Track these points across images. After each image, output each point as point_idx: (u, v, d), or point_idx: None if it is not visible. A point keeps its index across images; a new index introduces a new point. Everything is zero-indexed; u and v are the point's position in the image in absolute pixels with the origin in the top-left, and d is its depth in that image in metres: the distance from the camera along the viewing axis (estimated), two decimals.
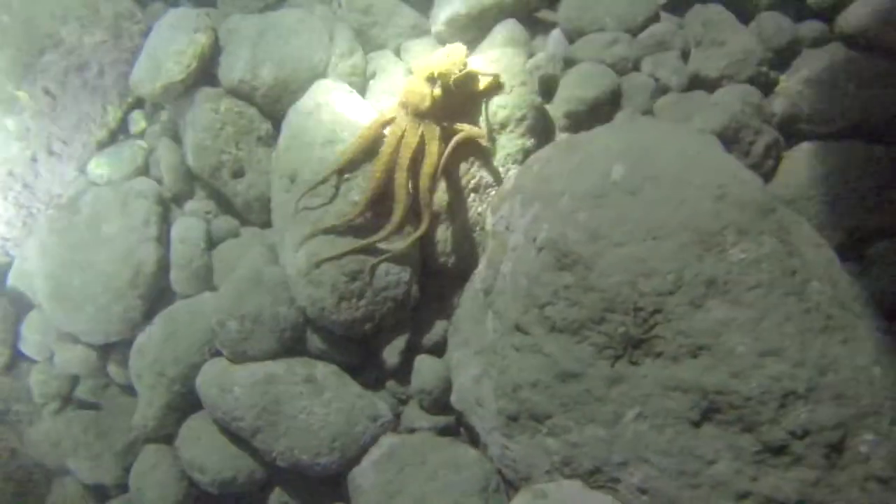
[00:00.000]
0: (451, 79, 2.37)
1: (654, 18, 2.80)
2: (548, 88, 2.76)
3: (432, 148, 2.36)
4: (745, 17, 2.68)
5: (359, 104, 2.61)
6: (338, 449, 2.34)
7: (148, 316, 2.67)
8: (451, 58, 2.41)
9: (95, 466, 2.64)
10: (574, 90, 2.68)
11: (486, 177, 2.57)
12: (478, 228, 2.58)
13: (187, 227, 2.72)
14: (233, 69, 2.77)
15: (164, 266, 2.69)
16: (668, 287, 1.90)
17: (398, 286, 2.43)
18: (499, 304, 2.29)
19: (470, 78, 2.47)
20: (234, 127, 2.74)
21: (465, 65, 2.44)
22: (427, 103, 2.34)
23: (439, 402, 2.49)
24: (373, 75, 2.89)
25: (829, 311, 1.91)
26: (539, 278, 2.09)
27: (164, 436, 2.59)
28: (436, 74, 2.36)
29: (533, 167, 2.34)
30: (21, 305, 2.89)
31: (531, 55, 2.80)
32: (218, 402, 2.37)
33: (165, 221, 2.78)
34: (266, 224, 2.80)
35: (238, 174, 2.75)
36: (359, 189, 2.44)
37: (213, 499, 2.53)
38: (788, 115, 2.44)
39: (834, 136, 2.40)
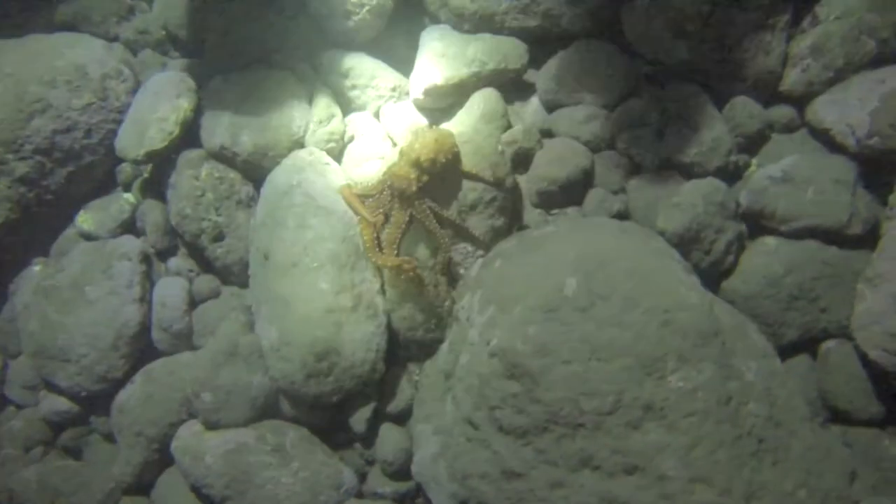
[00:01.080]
0: (438, 166, 2.42)
1: (634, 92, 2.81)
2: (523, 160, 2.80)
3: (429, 225, 2.49)
4: (720, 101, 2.69)
5: (331, 185, 2.67)
6: None
7: (130, 373, 2.80)
8: (440, 144, 2.45)
9: None
10: (547, 169, 2.72)
11: (457, 255, 2.64)
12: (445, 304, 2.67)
13: (170, 288, 2.83)
14: (214, 134, 2.84)
15: (146, 325, 2.81)
16: (608, 407, 1.99)
17: (364, 364, 2.54)
18: (457, 392, 2.39)
19: (456, 163, 2.51)
20: (215, 193, 2.82)
21: (453, 153, 2.49)
22: (412, 189, 2.42)
23: (401, 471, 2.63)
24: (351, 139, 2.94)
25: (762, 434, 2.00)
26: (489, 382, 2.19)
27: (143, 486, 2.76)
28: (422, 161, 2.41)
29: (495, 263, 2.41)
30: (8, 352, 3.04)
31: (507, 127, 2.84)
32: (190, 469, 2.52)
33: (149, 279, 2.89)
34: (245, 284, 2.90)
35: (218, 239, 2.84)
36: None
37: None
38: (753, 210, 2.47)
39: (794, 235, 2.43)
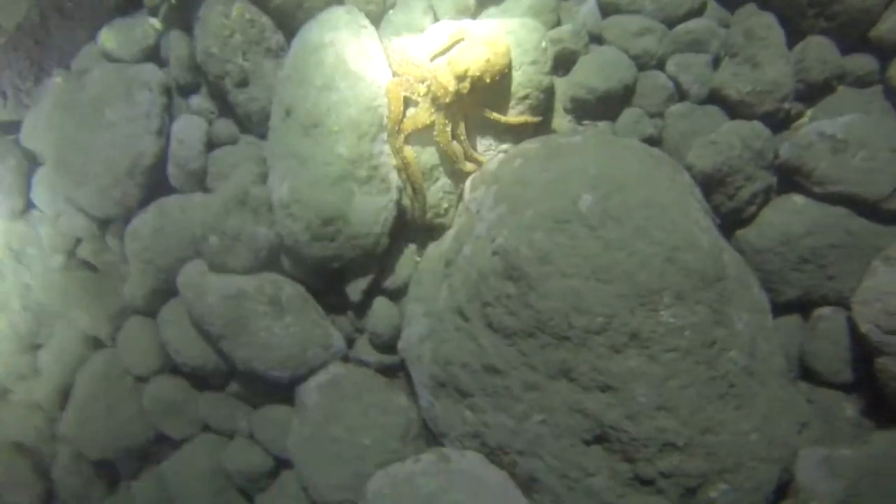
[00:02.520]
0: (482, 85, 2.33)
1: (699, 11, 2.64)
2: (565, 63, 2.67)
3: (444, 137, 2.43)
4: (796, 35, 2.50)
5: (365, 49, 2.56)
6: (289, 367, 2.64)
7: (144, 202, 2.85)
8: (490, 64, 2.33)
9: (92, 322, 2.99)
10: (588, 76, 2.60)
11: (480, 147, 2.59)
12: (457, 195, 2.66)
13: (189, 126, 2.81)
14: None
15: (162, 158, 2.82)
16: (596, 327, 2.05)
17: (368, 236, 2.57)
18: (453, 280, 2.45)
19: (503, 84, 2.40)
20: (244, 36, 2.71)
21: (502, 74, 2.37)
22: (447, 100, 2.34)
23: (388, 345, 2.75)
24: (393, 5, 2.79)
25: (733, 381, 2.07)
26: (487, 279, 2.23)
27: (150, 311, 2.90)
28: (468, 75, 2.32)
29: (515, 161, 2.37)
30: (33, 159, 3.08)
31: (556, 24, 2.69)
32: (193, 305, 2.64)
33: (168, 113, 2.85)
34: (263, 135, 2.87)
35: (242, 84, 2.77)
36: None
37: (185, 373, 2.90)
38: (791, 165, 2.39)
39: (827, 198, 2.36)
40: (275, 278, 2.73)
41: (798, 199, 2.40)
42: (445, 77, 2.33)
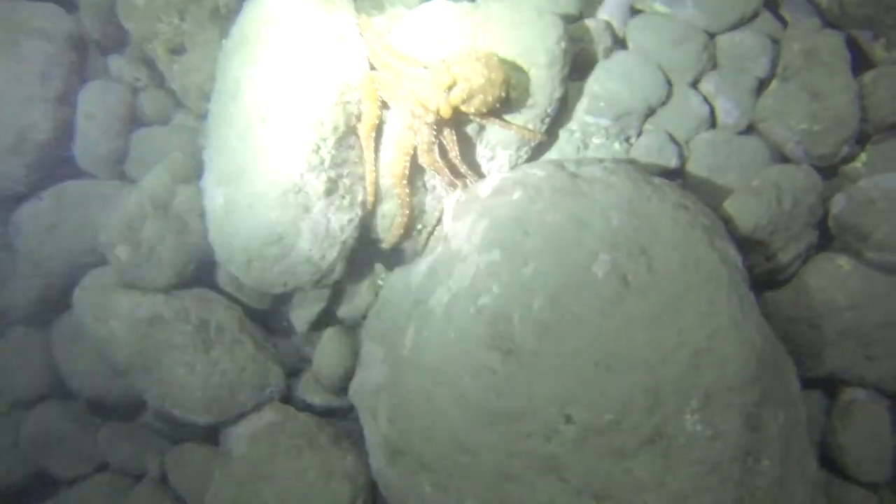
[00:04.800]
0: (474, 107, 1.82)
1: (751, 18, 2.17)
2: (580, 69, 2.18)
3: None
4: (863, 63, 2.07)
5: (336, 24, 2.00)
6: (213, 413, 2.15)
7: (38, 184, 2.26)
8: (487, 85, 1.81)
9: None
10: (607, 88, 2.13)
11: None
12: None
13: (103, 96, 2.22)
14: None
15: (67, 133, 2.23)
16: (601, 426, 1.62)
17: (321, 262, 2.07)
18: (423, 330, 1.98)
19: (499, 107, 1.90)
20: None
21: (499, 99, 1.86)
22: (430, 118, 1.84)
23: (337, 386, 2.29)
24: None
25: (762, 498, 1.68)
26: (466, 344, 1.77)
27: (38, 321, 2.34)
28: (459, 96, 1.81)
29: (513, 192, 1.89)
30: None
31: (575, 18, 2.19)
32: (91, 329, 2.09)
33: (78, 74, 2.25)
34: (205, 114, 2.30)
35: (176, 51, 2.19)
36: None
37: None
38: (842, 223, 1.97)
39: (881, 267, 1.96)
40: (205, 297, 2.22)
41: (844, 262, 2.00)
42: (424, 92, 1.81)
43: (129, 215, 2.05)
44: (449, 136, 1.92)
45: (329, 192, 1.98)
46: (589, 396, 1.62)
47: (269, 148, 1.93)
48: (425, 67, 1.87)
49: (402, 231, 2.10)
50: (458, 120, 1.91)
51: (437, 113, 1.81)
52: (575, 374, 1.63)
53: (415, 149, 1.93)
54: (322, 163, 1.93)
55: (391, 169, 1.96)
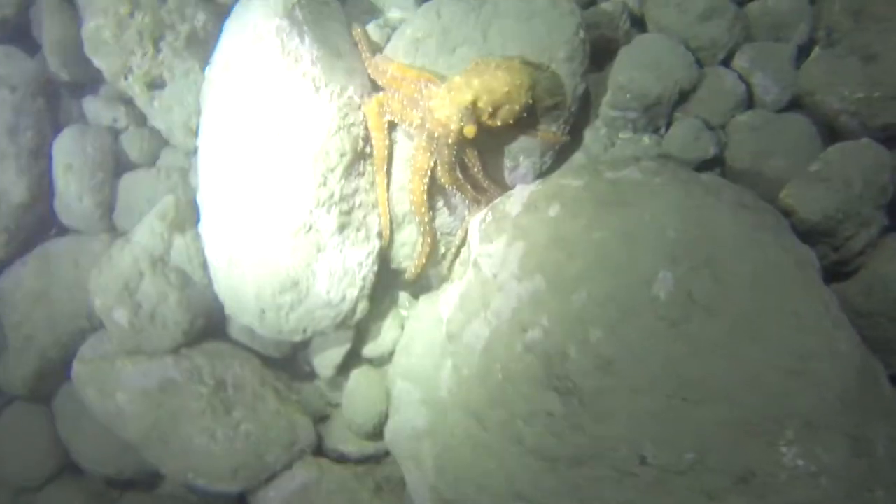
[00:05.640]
0: (500, 120, 1.62)
1: None
2: (601, 55, 1.98)
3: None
4: None
5: (330, 39, 1.79)
6: (241, 479, 1.96)
7: (20, 249, 2.05)
8: (510, 95, 1.61)
9: None
10: (633, 76, 1.92)
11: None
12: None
13: (80, 143, 2.01)
14: None
15: (43, 189, 2.02)
16: (683, 466, 1.43)
17: (342, 303, 1.88)
18: (461, 366, 1.79)
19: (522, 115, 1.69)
20: (153, 16, 1.91)
21: (523, 106, 1.66)
22: (451, 139, 1.63)
23: (371, 432, 2.10)
24: None
25: None
26: (518, 385, 1.59)
27: (38, 397, 2.14)
28: (480, 106, 1.60)
29: (549, 208, 1.69)
30: None
31: (590, 3, 1.98)
32: (95, 406, 1.90)
33: (49, 121, 2.04)
34: (194, 151, 2.09)
35: (156, 85, 1.98)
36: None
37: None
38: None
39: None
40: (217, 353, 2.02)
41: None
42: (444, 111, 1.61)
43: (125, 275, 1.85)
44: (471, 152, 1.72)
45: (342, 227, 1.79)
46: (665, 434, 1.44)
47: (271, 185, 1.73)
48: (439, 82, 1.67)
49: (425, 260, 1.91)
50: (480, 134, 1.71)
51: (460, 133, 1.61)
52: (646, 410, 1.45)
53: (433, 169, 1.73)
54: (331, 196, 1.73)
55: (410, 194, 1.77)
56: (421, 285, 2.09)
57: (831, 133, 1.93)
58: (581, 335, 1.49)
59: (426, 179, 1.74)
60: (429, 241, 1.86)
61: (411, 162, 1.73)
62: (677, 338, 1.44)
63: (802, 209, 1.69)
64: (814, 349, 1.39)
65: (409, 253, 1.97)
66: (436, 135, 1.64)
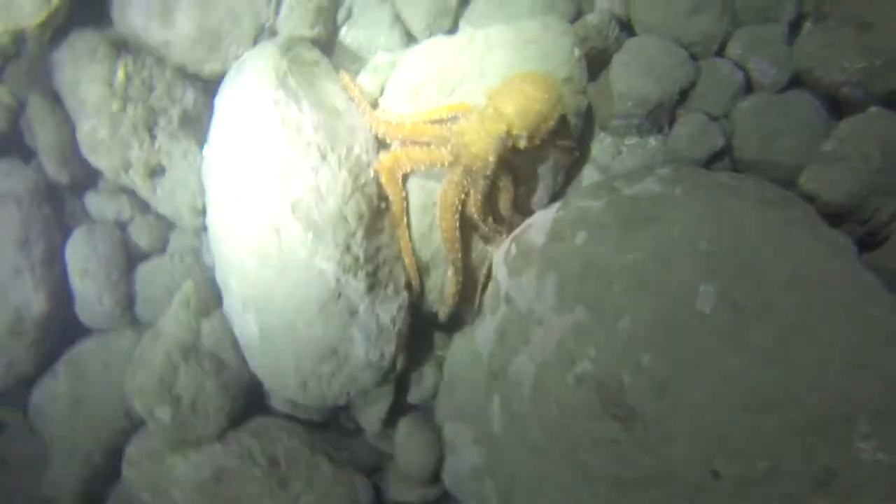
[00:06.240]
0: (539, 139, 1.61)
1: None
2: (594, 67, 1.96)
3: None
4: None
5: (326, 100, 1.77)
6: None
7: (48, 358, 2.03)
8: (543, 113, 1.60)
9: None
10: (631, 83, 1.90)
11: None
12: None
13: (90, 244, 1.99)
14: (130, 7, 1.84)
15: (61, 297, 2.00)
16: (757, 476, 1.42)
17: (381, 360, 1.86)
18: (513, 402, 1.78)
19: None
20: (144, 106, 1.89)
21: (557, 120, 1.65)
22: (488, 171, 1.62)
23: (427, 478, 2.08)
24: (346, 19, 2.01)
25: None
26: (576, 417, 1.57)
27: (92, 500, 2.12)
28: (514, 134, 1.59)
29: (575, 235, 1.67)
30: None
31: (576, 16, 1.96)
32: None
33: (57, 226, 2.02)
34: (204, 229, 2.07)
35: (156, 173, 1.96)
36: None
37: None
38: None
39: None
40: (263, 427, 2.01)
41: None
42: (480, 144, 1.58)
43: (159, 371, 1.83)
44: (506, 179, 1.70)
45: (371, 287, 1.77)
46: (734, 446, 1.42)
47: (292, 259, 1.71)
48: (464, 111, 1.64)
49: (457, 298, 1.89)
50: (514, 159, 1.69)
51: (499, 163, 1.58)
52: (710, 425, 1.43)
53: (463, 204, 1.71)
54: (357, 261, 1.71)
55: (443, 232, 1.74)
56: (453, 322, 2.07)
57: (835, 105, 1.91)
58: (632, 361, 1.48)
59: (458, 215, 1.72)
60: (460, 278, 1.84)
61: (442, 198, 1.70)
62: (730, 349, 1.42)
63: (826, 193, 1.68)
64: (870, 338, 1.38)
65: (437, 297, 1.96)
66: (473, 169, 1.61)
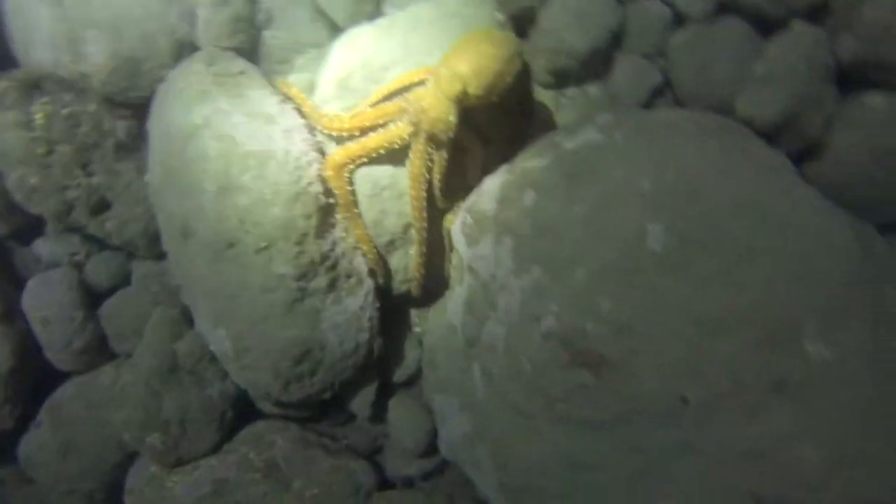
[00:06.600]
0: (492, 101, 1.60)
1: None
2: (523, 24, 1.96)
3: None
4: None
5: (257, 107, 1.76)
6: None
7: (28, 413, 2.03)
8: (500, 72, 1.59)
9: None
10: (560, 36, 1.91)
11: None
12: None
13: (47, 292, 1.97)
14: (33, 44, 1.80)
15: (29, 347, 1.99)
16: (721, 393, 1.49)
17: (357, 350, 1.90)
18: (490, 367, 1.83)
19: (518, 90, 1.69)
20: (73, 144, 1.86)
21: (517, 78, 1.63)
22: (451, 133, 1.62)
23: (425, 450, 2.15)
24: (267, 21, 1.98)
25: None
26: (546, 371, 1.62)
27: None
28: (471, 96, 1.57)
29: (524, 197, 1.70)
30: None
31: None
32: None
33: (9, 279, 2.00)
34: (163, 255, 2.06)
35: (101, 209, 1.94)
36: None
37: None
38: (860, 61, 1.76)
39: None
40: (257, 432, 2.04)
41: (876, 99, 1.80)
42: (437, 106, 1.57)
43: (143, 402, 1.85)
44: (471, 144, 1.72)
45: (333, 282, 1.79)
46: (696, 371, 1.48)
47: (251, 270, 1.72)
48: (422, 77, 1.63)
49: (423, 271, 1.92)
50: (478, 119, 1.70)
51: (459, 122, 1.58)
52: (673, 357, 1.49)
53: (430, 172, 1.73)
54: (313, 262, 1.72)
55: (412, 201, 1.75)
56: (427, 297, 2.11)
57: (765, 27, 1.93)
58: (591, 308, 1.52)
59: (425, 185, 1.73)
60: (423, 248, 1.86)
61: (410, 170, 1.71)
62: (682, 281, 1.47)
63: (761, 114, 1.71)
64: (810, 248, 1.43)
65: (403, 277, 1.99)
66: (435, 133, 1.61)
